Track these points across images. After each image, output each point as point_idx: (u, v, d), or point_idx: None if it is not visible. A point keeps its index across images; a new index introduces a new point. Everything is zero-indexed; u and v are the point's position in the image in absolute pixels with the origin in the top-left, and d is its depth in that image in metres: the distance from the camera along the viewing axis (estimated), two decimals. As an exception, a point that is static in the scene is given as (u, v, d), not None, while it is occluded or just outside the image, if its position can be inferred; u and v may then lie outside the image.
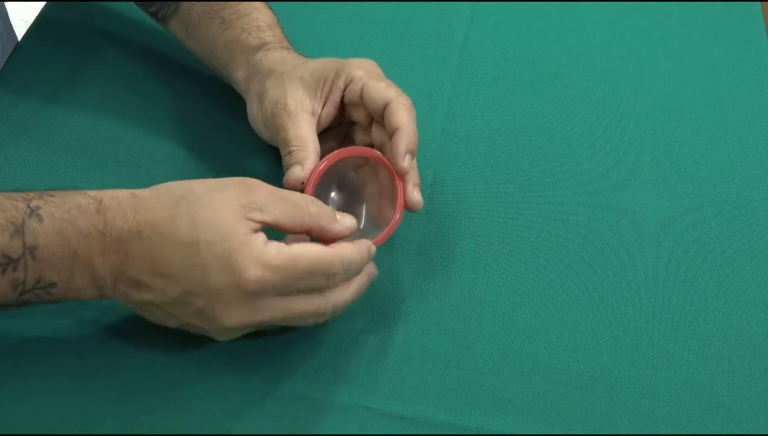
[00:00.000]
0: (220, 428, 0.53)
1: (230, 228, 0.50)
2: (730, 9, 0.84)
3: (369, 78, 0.60)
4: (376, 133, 0.61)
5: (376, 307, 0.60)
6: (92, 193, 0.52)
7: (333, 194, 0.61)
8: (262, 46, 0.65)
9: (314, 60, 0.63)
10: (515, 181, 0.68)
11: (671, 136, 0.73)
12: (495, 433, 0.55)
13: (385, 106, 0.59)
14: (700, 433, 0.55)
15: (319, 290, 0.53)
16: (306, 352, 0.57)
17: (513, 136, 0.72)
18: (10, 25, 0.75)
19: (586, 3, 0.84)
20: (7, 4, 0.76)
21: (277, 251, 0.50)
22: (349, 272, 0.53)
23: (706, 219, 0.67)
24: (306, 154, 0.58)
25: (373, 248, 0.55)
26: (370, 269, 0.56)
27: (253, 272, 0.49)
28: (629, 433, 0.55)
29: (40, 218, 0.50)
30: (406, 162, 0.57)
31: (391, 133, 0.58)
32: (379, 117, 0.60)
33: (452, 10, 0.82)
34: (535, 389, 0.57)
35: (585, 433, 0.55)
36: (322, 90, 0.61)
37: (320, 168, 0.58)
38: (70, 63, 0.73)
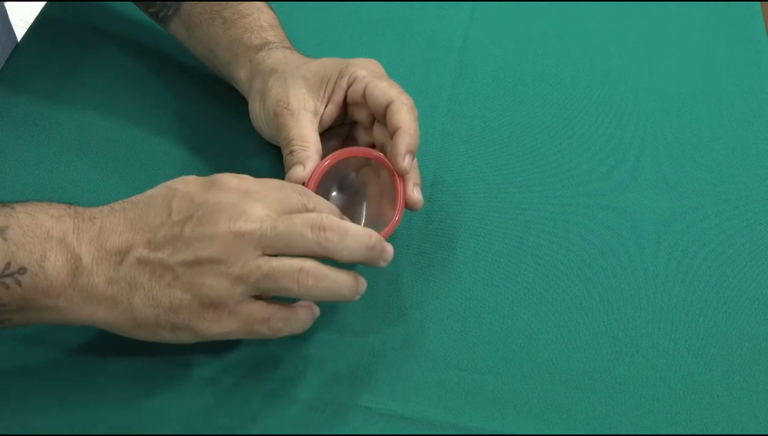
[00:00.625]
0: (221, 429, 0.53)
1: (197, 175, 0.52)
2: (730, 9, 0.84)
3: (372, 77, 0.60)
4: (378, 133, 0.61)
5: (377, 307, 0.60)
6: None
7: (334, 194, 0.61)
8: (264, 45, 0.65)
9: (316, 60, 0.63)
10: (515, 181, 0.68)
11: (671, 137, 0.73)
12: (495, 433, 0.55)
13: (387, 106, 0.59)
14: (700, 433, 0.55)
15: (299, 210, 0.52)
16: (305, 352, 0.57)
17: (513, 136, 0.72)
18: (10, 25, 0.75)
19: (586, 3, 0.84)
20: (6, 4, 0.76)
21: (292, 150, 0.55)
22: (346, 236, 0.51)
23: (706, 219, 0.67)
24: (308, 154, 0.58)
25: (364, 284, 0.54)
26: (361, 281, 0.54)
27: (233, 178, 0.51)
28: (629, 433, 0.55)
29: (12, 207, 0.50)
30: (406, 162, 0.57)
31: (392, 133, 0.58)
32: (380, 117, 0.60)
33: (452, 11, 0.82)
34: (535, 389, 0.57)
35: (585, 433, 0.55)
36: (325, 90, 0.61)
37: (321, 168, 0.58)
38: (70, 63, 0.73)
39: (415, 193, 0.58)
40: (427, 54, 0.77)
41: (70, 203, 0.52)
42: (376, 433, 0.54)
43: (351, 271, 0.53)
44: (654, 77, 0.78)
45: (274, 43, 0.65)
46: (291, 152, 0.58)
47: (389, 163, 0.58)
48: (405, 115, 0.58)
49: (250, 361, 0.57)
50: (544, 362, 0.58)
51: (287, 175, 0.58)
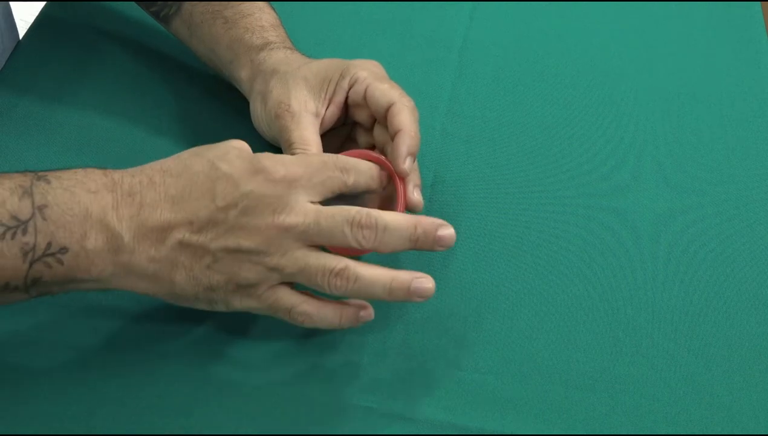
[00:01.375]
0: (221, 429, 0.53)
1: (239, 149, 0.52)
2: (730, 9, 0.84)
3: (373, 79, 0.60)
4: (379, 134, 0.61)
5: (377, 307, 0.60)
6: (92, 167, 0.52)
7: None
8: (265, 45, 0.65)
9: (318, 60, 0.63)
10: (515, 181, 0.68)
11: (671, 137, 0.73)
12: (495, 433, 0.55)
13: (388, 108, 0.59)
14: (700, 433, 0.55)
15: (340, 185, 0.53)
16: (306, 352, 0.57)
17: (513, 136, 0.72)
18: (13, 22, 0.75)
19: (586, 3, 0.84)
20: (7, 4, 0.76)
21: (293, 153, 0.54)
22: (361, 184, 0.55)
23: (706, 219, 0.67)
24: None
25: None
26: (361, 306, 0.55)
27: (276, 163, 0.51)
28: (629, 433, 0.55)
29: (48, 181, 0.50)
30: (406, 164, 0.57)
31: (392, 135, 0.58)
32: (381, 118, 0.60)
33: (452, 11, 0.82)
34: (535, 389, 0.57)
35: (585, 433, 0.55)
36: (326, 91, 0.61)
37: None
38: (70, 63, 0.73)
39: (416, 195, 0.58)
40: (427, 54, 0.77)
41: (104, 169, 0.52)
42: (376, 433, 0.54)
43: (386, 273, 0.52)
44: (654, 77, 0.78)
45: (275, 43, 0.65)
46: (293, 154, 0.58)
47: (390, 165, 0.58)
48: (406, 117, 0.58)
49: (250, 361, 0.57)
50: (544, 362, 0.58)
51: None
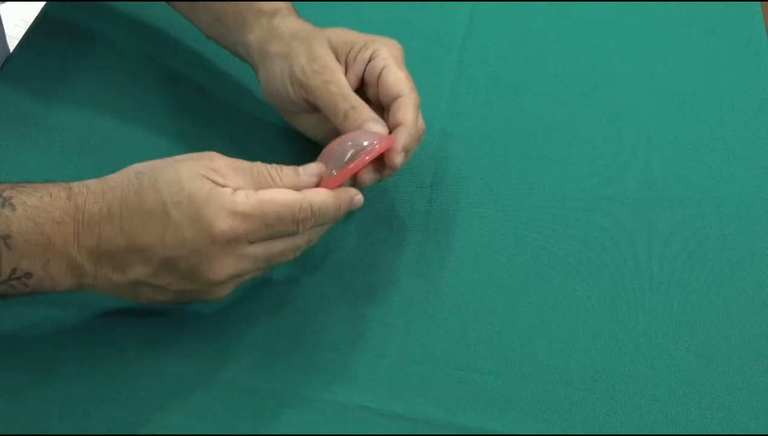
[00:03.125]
0: (220, 429, 0.53)
1: (194, 185, 0.51)
2: (730, 9, 0.84)
3: (392, 61, 0.60)
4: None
5: (376, 307, 0.60)
6: (62, 183, 0.52)
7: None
8: (276, 11, 0.65)
9: (335, 28, 0.63)
10: (515, 181, 0.68)
11: (671, 137, 0.73)
12: (495, 433, 0.55)
13: (396, 98, 0.59)
14: (700, 433, 0.55)
15: (291, 234, 0.53)
16: (306, 352, 0.57)
17: (513, 136, 0.72)
18: (2, 29, 0.75)
19: (586, 3, 0.84)
20: (7, 5, 0.76)
21: (246, 197, 0.51)
22: (321, 218, 0.54)
23: (706, 219, 0.67)
24: (371, 112, 0.58)
25: (359, 198, 0.56)
26: (351, 192, 0.56)
27: (223, 223, 0.50)
28: (629, 433, 0.55)
29: (12, 207, 0.50)
30: (399, 158, 0.58)
31: (393, 126, 0.58)
32: (386, 104, 0.60)
33: (452, 10, 0.82)
34: (535, 389, 0.57)
35: (585, 433, 0.55)
36: (347, 57, 0.61)
37: (341, 177, 0.56)
38: (70, 63, 0.73)
39: (398, 159, 0.58)
40: (427, 54, 0.77)
41: (68, 190, 0.52)
42: (376, 433, 0.54)
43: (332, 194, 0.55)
44: (654, 77, 0.78)
45: (284, 10, 0.65)
46: (353, 108, 0.58)
47: (391, 141, 0.57)
48: (410, 113, 0.58)
49: (249, 360, 0.57)
50: (544, 362, 0.58)
51: (366, 127, 0.58)
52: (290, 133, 0.67)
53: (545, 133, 0.72)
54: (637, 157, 0.71)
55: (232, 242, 0.51)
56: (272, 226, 0.52)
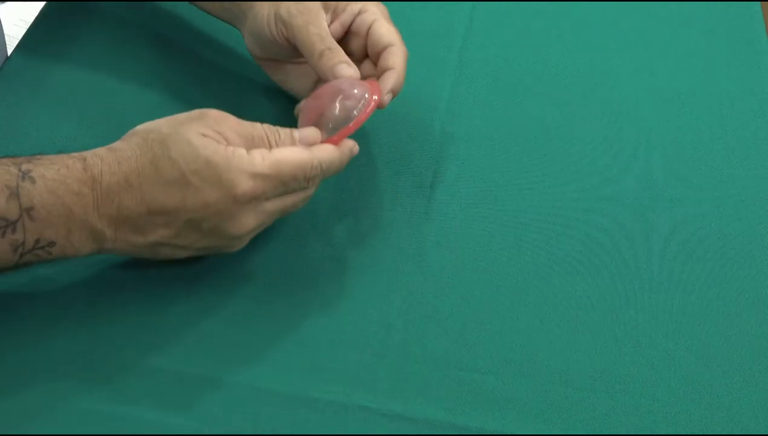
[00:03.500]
0: (221, 429, 0.53)
1: (207, 150, 0.53)
2: (730, 9, 0.84)
3: (381, 17, 0.64)
4: (365, 70, 0.64)
5: (376, 306, 0.60)
6: (74, 154, 0.54)
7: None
8: None
9: None
10: (515, 181, 0.68)
11: (671, 137, 0.73)
12: (495, 433, 0.55)
13: (385, 48, 0.62)
14: (700, 433, 0.55)
15: (302, 189, 0.57)
16: (306, 352, 0.57)
17: (513, 136, 0.72)
18: (0, 30, 0.75)
19: (586, 3, 0.84)
20: (7, 5, 0.76)
21: (262, 159, 0.54)
22: (329, 172, 0.58)
23: (706, 219, 0.67)
24: (345, 56, 0.61)
25: (356, 148, 0.59)
26: (350, 144, 0.59)
27: (245, 185, 0.53)
28: (629, 433, 0.55)
29: (32, 180, 0.52)
30: (387, 98, 0.61)
31: (381, 71, 0.62)
32: (375, 55, 0.64)
33: (452, 10, 0.82)
34: (535, 389, 0.57)
35: (585, 433, 0.55)
36: (336, 7, 0.64)
37: (339, 136, 0.59)
38: (69, 63, 0.73)
39: (386, 97, 0.61)
40: (427, 54, 0.77)
41: (84, 161, 0.53)
42: (376, 433, 0.54)
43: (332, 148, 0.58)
44: (654, 77, 0.78)
45: None
46: (329, 49, 0.61)
47: (376, 87, 0.61)
48: (399, 59, 0.62)
49: (249, 360, 0.57)
50: (544, 362, 0.58)
51: (338, 73, 0.60)
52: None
53: (545, 133, 0.72)
54: (637, 157, 0.71)
55: (253, 200, 0.54)
56: (287, 184, 0.55)
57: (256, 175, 0.53)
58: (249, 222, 0.55)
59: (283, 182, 0.55)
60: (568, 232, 0.65)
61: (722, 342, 0.60)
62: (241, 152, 0.54)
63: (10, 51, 0.74)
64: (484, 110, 0.73)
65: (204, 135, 0.53)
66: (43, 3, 0.79)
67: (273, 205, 0.56)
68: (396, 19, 0.80)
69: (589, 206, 0.67)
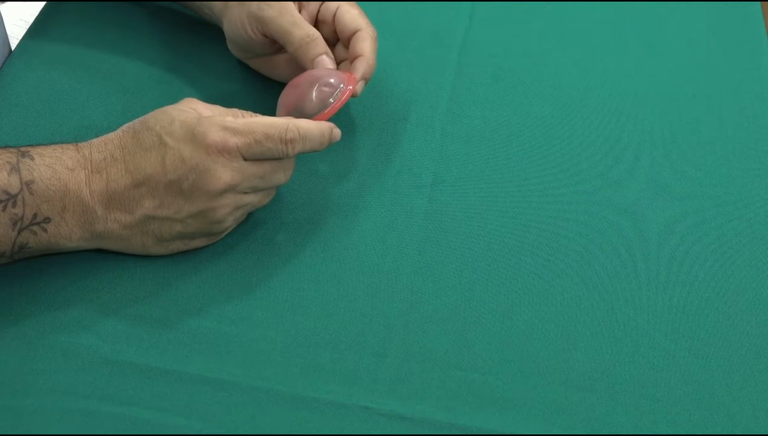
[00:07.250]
0: (220, 428, 0.53)
1: (182, 115, 0.57)
2: (730, 9, 0.84)
3: (345, 2, 0.66)
4: (338, 53, 0.67)
5: (376, 306, 0.60)
6: (68, 142, 0.58)
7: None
8: None
9: None
10: (515, 181, 0.68)
11: (671, 137, 0.73)
12: (495, 433, 0.55)
13: (354, 33, 0.65)
14: (700, 433, 0.55)
15: (282, 157, 0.58)
16: (306, 352, 0.57)
17: (513, 136, 0.72)
18: (3, 30, 0.75)
19: (586, 3, 0.84)
20: (7, 5, 0.76)
21: (234, 117, 0.57)
22: (308, 142, 0.58)
23: (706, 219, 0.67)
24: (325, 46, 0.64)
25: (337, 132, 0.60)
26: (330, 124, 0.60)
27: (215, 135, 0.55)
28: (629, 433, 0.55)
29: (31, 157, 0.55)
30: (359, 86, 0.63)
31: (352, 59, 0.64)
32: (345, 40, 0.66)
33: (452, 11, 0.82)
34: (535, 389, 0.57)
35: (585, 433, 0.55)
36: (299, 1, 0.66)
37: (323, 116, 0.61)
38: (70, 63, 0.73)
39: (359, 85, 0.63)
40: (427, 54, 0.77)
41: (76, 144, 0.57)
42: (376, 433, 0.54)
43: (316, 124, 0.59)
44: (654, 77, 0.78)
45: None
46: (308, 36, 0.63)
47: (351, 76, 0.63)
48: (368, 45, 0.64)
49: (249, 360, 0.57)
50: (544, 362, 0.58)
51: (319, 64, 0.63)
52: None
53: (545, 133, 0.72)
54: (636, 158, 0.71)
55: (225, 152, 0.55)
56: (261, 142, 0.56)
57: (226, 128, 0.55)
58: (224, 175, 0.55)
59: (257, 141, 0.56)
60: (567, 232, 0.65)
61: (722, 342, 0.60)
62: (212, 113, 0.57)
63: (12, 48, 0.74)
64: (484, 110, 0.73)
65: (182, 109, 0.57)
66: (43, 3, 0.79)
67: (250, 167, 0.57)
68: (396, 19, 0.80)
69: (589, 206, 0.67)
